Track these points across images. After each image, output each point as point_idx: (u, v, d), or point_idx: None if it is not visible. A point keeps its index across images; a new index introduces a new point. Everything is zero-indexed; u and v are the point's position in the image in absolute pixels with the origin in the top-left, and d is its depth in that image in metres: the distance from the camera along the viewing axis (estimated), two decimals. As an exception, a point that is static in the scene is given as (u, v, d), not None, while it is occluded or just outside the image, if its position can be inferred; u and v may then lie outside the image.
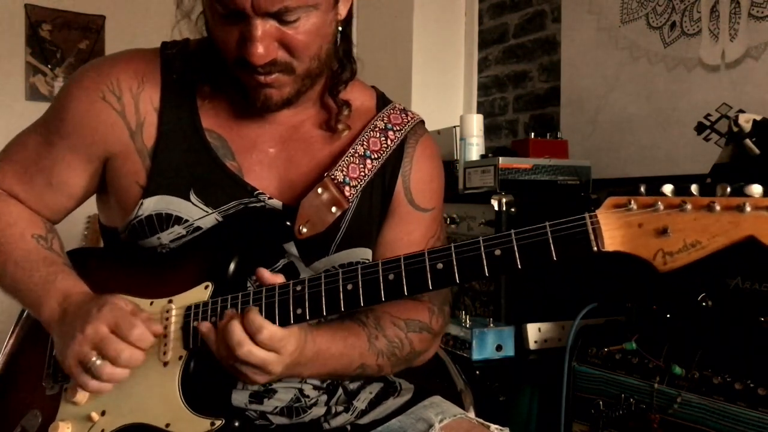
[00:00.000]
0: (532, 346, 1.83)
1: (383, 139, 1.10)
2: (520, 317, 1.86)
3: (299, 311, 0.92)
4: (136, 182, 1.04)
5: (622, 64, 2.32)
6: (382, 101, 1.17)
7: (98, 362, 0.93)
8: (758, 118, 1.60)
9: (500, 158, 2.01)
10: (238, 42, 0.94)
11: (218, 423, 0.93)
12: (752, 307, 1.40)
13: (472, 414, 1.15)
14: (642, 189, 0.78)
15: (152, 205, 1.03)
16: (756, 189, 0.74)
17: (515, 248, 0.82)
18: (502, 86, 2.87)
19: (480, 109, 2.95)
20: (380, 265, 0.89)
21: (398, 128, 1.12)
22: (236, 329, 0.88)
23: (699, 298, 1.48)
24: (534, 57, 2.71)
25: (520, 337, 1.84)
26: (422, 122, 1.18)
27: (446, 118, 2.85)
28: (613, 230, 0.78)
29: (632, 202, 0.78)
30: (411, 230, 1.14)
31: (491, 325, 1.83)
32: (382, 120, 1.12)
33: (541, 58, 2.68)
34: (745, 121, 1.58)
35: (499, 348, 1.81)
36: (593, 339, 1.66)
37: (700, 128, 2.07)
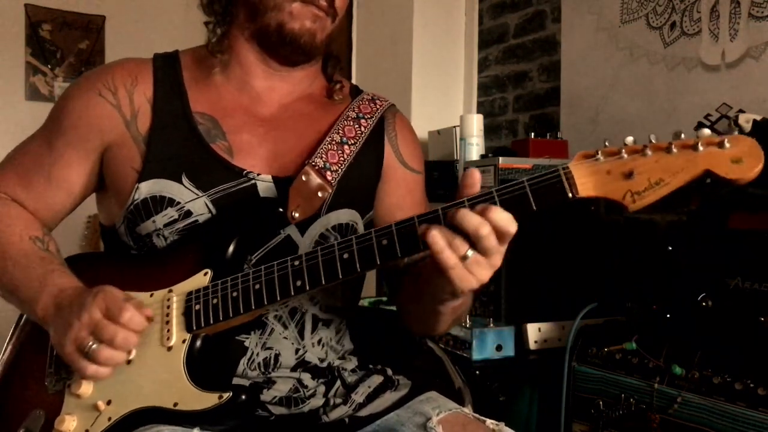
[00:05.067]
0: (532, 346, 1.83)
1: (357, 126, 1.18)
2: (520, 317, 1.86)
3: (299, 283, 0.96)
4: (132, 167, 1.10)
5: (622, 64, 2.32)
6: (355, 90, 1.26)
7: (95, 346, 0.96)
8: (758, 118, 1.60)
9: (500, 158, 2.00)
10: None
11: (226, 395, 0.95)
12: (752, 307, 1.40)
13: (469, 409, 1.15)
14: (606, 143, 0.88)
15: (147, 188, 1.08)
16: (706, 131, 0.86)
17: (497, 202, 0.86)
18: (502, 86, 2.87)
19: (480, 109, 2.95)
20: (373, 233, 0.93)
21: (369, 116, 1.20)
22: (467, 212, 0.84)
23: (699, 298, 1.48)
24: (534, 57, 2.71)
25: (520, 337, 1.84)
26: (393, 105, 1.26)
27: (446, 118, 2.85)
28: (584, 177, 0.85)
29: (599, 152, 0.87)
30: (411, 189, 1.23)
31: (491, 325, 1.83)
32: (354, 110, 1.20)
33: (541, 58, 2.68)
34: (745, 121, 1.59)
35: (499, 348, 1.81)
36: (593, 339, 1.66)
37: (700, 128, 2.06)
